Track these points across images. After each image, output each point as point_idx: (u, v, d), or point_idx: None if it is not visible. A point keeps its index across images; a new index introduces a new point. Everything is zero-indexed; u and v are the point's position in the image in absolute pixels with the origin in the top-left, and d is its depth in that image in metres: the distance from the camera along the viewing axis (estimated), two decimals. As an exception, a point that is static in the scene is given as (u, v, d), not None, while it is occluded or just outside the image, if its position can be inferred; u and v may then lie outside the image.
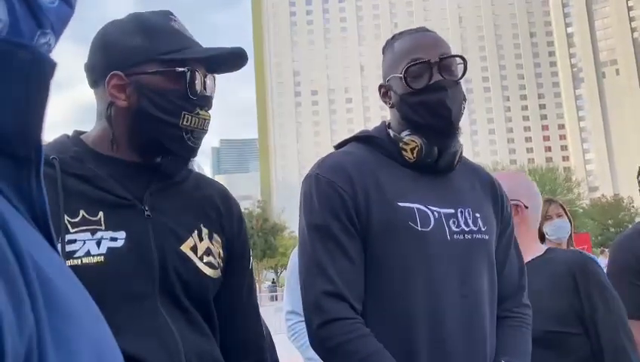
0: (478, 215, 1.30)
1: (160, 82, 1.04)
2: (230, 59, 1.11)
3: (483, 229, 1.30)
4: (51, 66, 0.38)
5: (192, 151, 1.08)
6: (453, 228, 1.26)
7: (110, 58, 1.06)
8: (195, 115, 1.05)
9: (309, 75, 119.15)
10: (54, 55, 0.39)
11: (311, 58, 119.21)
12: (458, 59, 1.30)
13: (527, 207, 1.73)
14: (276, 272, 49.37)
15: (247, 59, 1.10)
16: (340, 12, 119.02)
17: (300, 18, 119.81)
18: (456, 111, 1.27)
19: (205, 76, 1.08)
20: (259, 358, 1.20)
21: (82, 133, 1.13)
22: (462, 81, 1.30)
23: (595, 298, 1.56)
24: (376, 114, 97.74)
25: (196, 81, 1.06)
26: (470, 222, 1.28)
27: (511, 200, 1.53)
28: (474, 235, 1.28)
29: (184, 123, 1.04)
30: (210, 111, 1.09)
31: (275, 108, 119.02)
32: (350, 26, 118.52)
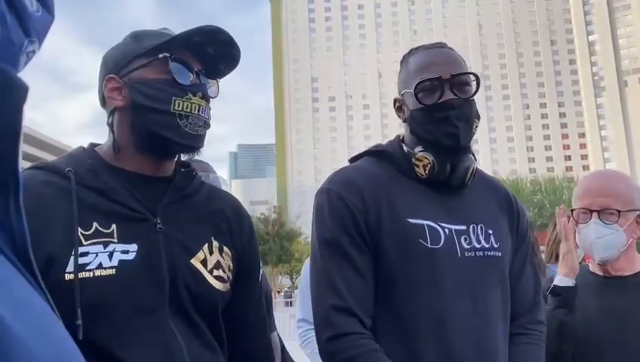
0: (490, 231, 1.29)
1: (147, 73, 1.07)
2: (219, 48, 1.11)
3: (495, 246, 1.28)
4: (24, 91, 0.37)
5: (193, 138, 1.07)
6: (465, 245, 1.24)
7: (107, 67, 1.11)
8: (187, 99, 1.06)
9: (327, 81, 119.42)
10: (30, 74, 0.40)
11: (329, 64, 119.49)
12: (472, 77, 1.28)
13: None
14: (291, 278, 49.41)
15: (234, 44, 1.11)
16: (359, 19, 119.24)
17: (318, 24, 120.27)
18: (465, 130, 1.25)
19: (201, 71, 1.10)
20: None
21: (97, 145, 1.15)
22: (482, 88, 1.27)
23: None
24: (394, 121, 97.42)
25: (182, 67, 1.07)
26: (482, 238, 1.27)
27: (636, 210, 1.51)
28: (486, 252, 1.26)
29: (175, 108, 1.05)
30: (209, 104, 1.10)
31: (292, 114, 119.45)
32: (369, 33, 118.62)
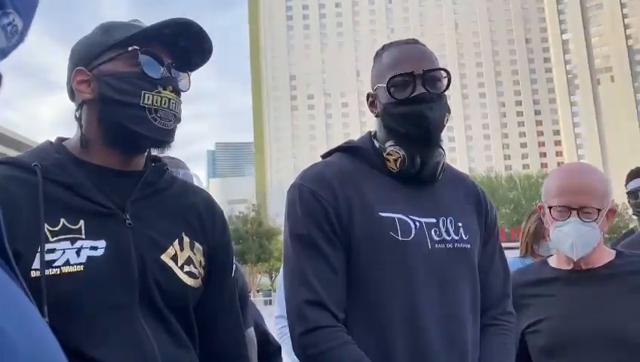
0: (460, 224, 1.31)
1: (116, 66, 1.05)
2: (190, 41, 1.10)
3: (465, 238, 1.31)
4: None
5: (163, 133, 1.06)
6: (435, 238, 1.27)
7: (74, 59, 1.09)
8: (157, 93, 1.05)
9: (305, 79, 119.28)
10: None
11: (307, 62, 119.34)
12: (444, 72, 1.32)
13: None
14: (271, 276, 49.32)
15: (205, 36, 1.10)
16: (337, 17, 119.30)
17: (296, 22, 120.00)
18: (436, 124, 1.28)
19: (171, 64, 1.09)
20: None
21: (65, 139, 1.12)
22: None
23: None
24: (372, 119, 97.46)
25: (152, 60, 1.06)
26: (452, 231, 1.29)
27: (607, 205, 1.53)
28: (455, 244, 1.29)
29: (145, 102, 1.03)
30: (180, 97, 1.09)
31: (271, 112, 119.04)
32: (346, 30, 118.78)
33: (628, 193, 2.94)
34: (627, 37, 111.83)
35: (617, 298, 1.51)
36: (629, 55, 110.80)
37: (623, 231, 3.41)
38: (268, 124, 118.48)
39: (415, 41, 1.37)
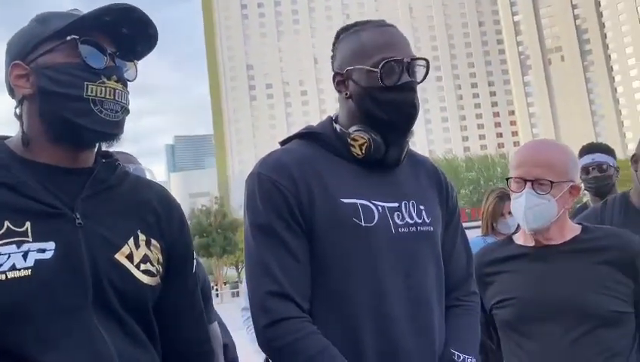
0: (422, 207, 1.31)
1: (55, 58, 1.01)
2: (133, 27, 1.06)
3: (428, 221, 1.30)
4: None
5: (110, 125, 1.02)
6: (398, 222, 1.26)
7: (11, 53, 1.05)
8: (101, 83, 1.00)
9: (263, 68, 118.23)
10: None
11: (264, 51, 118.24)
12: (424, 62, 1.32)
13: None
14: (237, 268, 49.08)
15: (149, 22, 1.07)
16: (292, 4, 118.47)
17: (251, 11, 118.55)
18: (417, 112, 1.29)
19: (115, 53, 1.05)
20: None
21: (7, 137, 1.07)
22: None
23: None
24: (332, 106, 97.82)
25: (94, 49, 1.02)
26: (415, 214, 1.29)
27: (569, 181, 1.55)
28: (418, 227, 1.28)
29: (89, 93, 0.99)
30: (127, 87, 1.05)
31: (229, 103, 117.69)
32: (302, 18, 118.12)
33: (580, 169, 3.04)
34: (575, 17, 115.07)
35: (581, 272, 1.54)
36: (577, 34, 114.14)
37: (577, 206, 3.52)
38: (227, 115, 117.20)
39: (390, 25, 1.34)
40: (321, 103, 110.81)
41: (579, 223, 1.68)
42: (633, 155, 2.02)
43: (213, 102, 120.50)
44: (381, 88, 1.25)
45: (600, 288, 1.51)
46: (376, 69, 1.24)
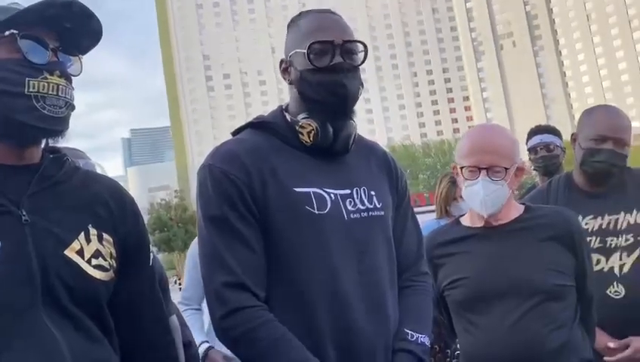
0: (373, 193, 1.34)
1: None
2: (76, 21, 1.03)
3: (378, 206, 1.33)
4: None
5: (53, 121, 1.00)
6: (350, 208, 1.29)
7: None
8: (43, 79, 0.98)
9: (220, 58, 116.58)
10: None
11: (220, 41, 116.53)
12: (360, 47, 1.33)
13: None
14: (200, 261, 48.66)
15: (92, 15, 1.04)
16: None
17: (205, 0, 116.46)
18: (352, 94, 1.30)
19: (58, 47, 1.02)
20: (167, 354, 1.19)
21: None
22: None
23: (585, 255, 1.68)
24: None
25: (35, 44, 1.00)
26: (366, 200, 1.32)
27: (515, 163, 1.63)
28: (370, 213, 1.31)
29: (30, 89, 0.97)
30: (71, 83, 1.03)
31: (186, 94, 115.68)
32: (258, 7, 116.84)
33: (528, 149, 3.22)
34: (525, 3, 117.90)
35: (526, 249, 1.62)
36: (527, 20, 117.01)
37: (528, 186, 3.72)
38: (184, 106, 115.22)
39: (333, 12, 1.37)
40: (280, 93, 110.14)
41: (522, 203, 1.76)
42: (572, 134, 2.08)
43: (169, 94, 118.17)
44: (313, 70, 1.27)
45: (546, 263, 1.60)
46: (306, 51, 1.27)
